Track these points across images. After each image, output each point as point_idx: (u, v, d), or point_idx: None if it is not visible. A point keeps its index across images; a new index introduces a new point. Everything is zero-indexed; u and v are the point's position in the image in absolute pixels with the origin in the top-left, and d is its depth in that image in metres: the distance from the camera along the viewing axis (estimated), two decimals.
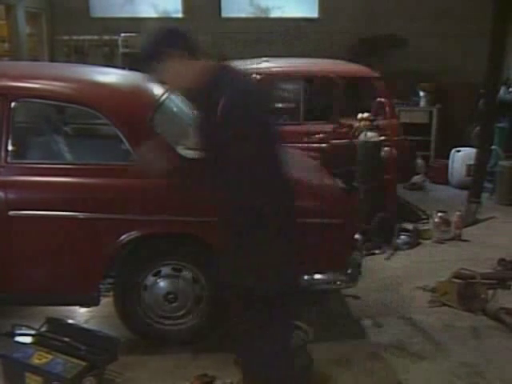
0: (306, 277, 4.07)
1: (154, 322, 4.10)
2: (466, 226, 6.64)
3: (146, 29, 9.75)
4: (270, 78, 6.79)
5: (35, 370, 3.44)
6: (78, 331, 3.80)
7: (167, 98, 4.47)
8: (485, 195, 7.31)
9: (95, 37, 9.95)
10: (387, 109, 6.88)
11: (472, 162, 7.66)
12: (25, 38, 9.76)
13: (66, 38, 10.04)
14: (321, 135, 6.71)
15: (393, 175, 6.25)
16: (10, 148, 3.87)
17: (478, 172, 7.12)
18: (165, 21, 10.64)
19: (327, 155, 6.00)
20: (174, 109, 4.67)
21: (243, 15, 10.91)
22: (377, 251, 5.92)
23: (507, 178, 7.87)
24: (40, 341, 3.65)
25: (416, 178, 8.34)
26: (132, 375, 3.79)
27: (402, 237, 6.18)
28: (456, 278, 4.96)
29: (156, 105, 4.25)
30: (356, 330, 4.47)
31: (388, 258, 5.86)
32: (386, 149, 6.26)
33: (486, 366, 3.98)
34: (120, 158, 4.03)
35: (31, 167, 3.99)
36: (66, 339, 3.63)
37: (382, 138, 6.27)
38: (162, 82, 3.50)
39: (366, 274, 4.59)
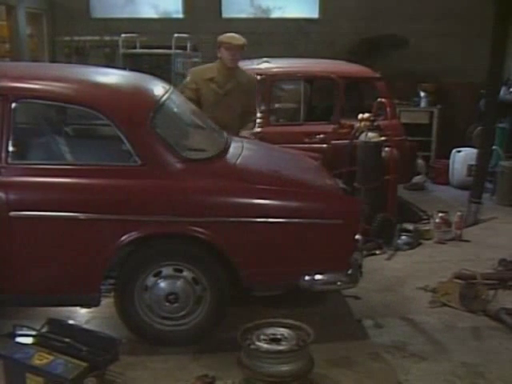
0: (306, 277, 4.09)
1: (154, 323, 4.10)
2: (467, 227, 6.65)
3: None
4: (271, 78, 6.80)
5: (36, 370, 3.43)
6: (78, 332, 3.80)
7: (168, 98, 4.48)
8: (485, 195, 7.30)
9: (96, 37, 9.94)
10: (388, 109, 6.89)
11: (473, 163, 7.66)
12: (25, 38, 9.75)
13: (66, 38, 10.03)
14: (321, 136, 6.72)
15: (393, 176, 6.24)
16: (10, 149, 3.87)
17: (479, 172, 7.11)
18: (166, 21, 10.67)
19: (328, 156, 5.99)
20: (175, 109, 4.67)
21: (244, 16, 10.91)
22: (377, 252, 5.91)
23: (508, 179, 7.87)
24: (41, 341, 3.65)
25: (417, 179, 8.34)
26: (133, 376, 3.79)
27: (403, 237, 6.18)
28: (457, 278, 4.97)
29: (157, 105, 4.25)
30: (356, 331, 4.46)
31: (389, 259, 5.86)
32: (386, 149, 6.26)
33: (486, 366, 3.98)
34: (121, 158, 4.04)
35: (32, 168, 3.99)
36: (67, 340, 3.63)
37: (383, 138, 6.27)
38: None
39: (366, 275, 4.59)
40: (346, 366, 3.96)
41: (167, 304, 4.06)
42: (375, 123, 6.34)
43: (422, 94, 9.82)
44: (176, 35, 9.15)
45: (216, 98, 5.43)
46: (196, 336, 4.15)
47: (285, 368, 3.49)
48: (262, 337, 3.61)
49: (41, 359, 3.48)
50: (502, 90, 8.55)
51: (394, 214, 6.23)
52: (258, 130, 6.45)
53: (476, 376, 3.87)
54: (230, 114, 5.42)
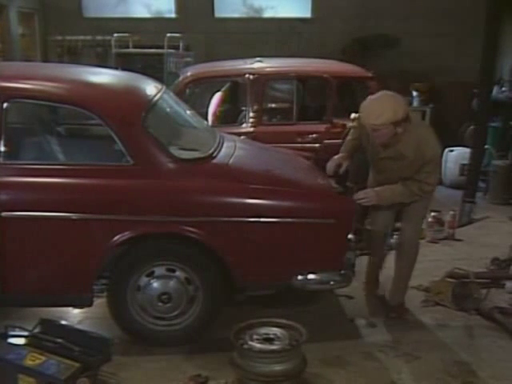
0: (299, 277, 4.08)
1: (147, 323, 4.10)
2: (460, 226, 6.66)
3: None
4: (263, 78, 6.78)
5: (28, 371, 3.42)
6: (71, 332, 3.79)
7: (160, 98, 4.47)
8: (478, 194, 7.32)
9: (88, 37, 9.94)
10: None
11: (465, 162, 7.68)
12: (17, 38, 9.73)
13: (58, 38, 10.03)
14: (314, 135, 6.71)
15: None
16: (2, 149, 3.86)
17: (472, 172, 7.13)
18: (158, 21, 10.66)
19: (320, 155, 5.99)
20: (167, 109, 4.66)
21: (237, 15, 10.92)
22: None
23: (500, 178, 7.89)
24: (33, 342, 3.64)
25: None
26: (126, 376, 3.78)
27: (396, 236, 6.16)
28: (450, 277, 4.98)
29: (149, 105, 4.24)
30: (350, 330, 4.47)
31: None
32: None
33: (479, 364, 3.99)
34: (113, 158, 4.03)
35: (24, 168, 3.98)
36: (60, 340, 3.62)
37: None
38: None
39: (359, 274, 4.60)
40: (339, 365, 3.96)
41: (160, 304, 4.05)
42: None
43: (415, 93, 9.84)
44: (168, 35, 9.15)
45: (372, 157, 4.57)
46: (189, 336, 4.14)
47: (278, 368, 3.49)
48: (254, 336, 3.61)
49: (33, 360, 3.47)
50: (495, 90, 8.58)
51: None
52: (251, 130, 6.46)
53: (469, 374, 3.88)
54: (391, 181, 4.39)
